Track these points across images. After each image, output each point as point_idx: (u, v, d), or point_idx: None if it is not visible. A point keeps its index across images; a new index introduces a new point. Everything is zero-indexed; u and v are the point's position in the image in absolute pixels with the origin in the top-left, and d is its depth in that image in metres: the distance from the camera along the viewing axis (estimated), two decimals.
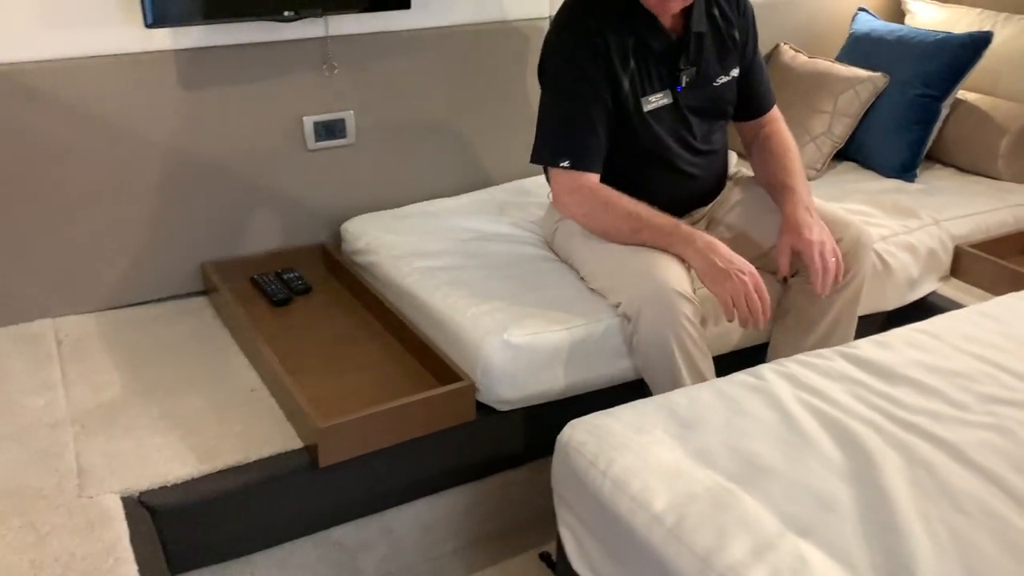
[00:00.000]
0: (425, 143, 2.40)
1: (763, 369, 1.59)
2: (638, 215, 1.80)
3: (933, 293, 2.24)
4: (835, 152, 2.61)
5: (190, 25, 1.95)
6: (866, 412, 1.45)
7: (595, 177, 1.85)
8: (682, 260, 1.76)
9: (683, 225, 1.79)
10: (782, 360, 1.62)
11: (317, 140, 2.24)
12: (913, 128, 2.55)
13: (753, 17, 1.98)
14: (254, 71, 2.11)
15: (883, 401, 1.48)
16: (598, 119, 1.83)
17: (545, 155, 1.88)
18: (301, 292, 2.18)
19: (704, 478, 1.30)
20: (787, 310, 1.94)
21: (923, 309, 2.21)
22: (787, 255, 1.80)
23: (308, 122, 2.21)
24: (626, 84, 1.83)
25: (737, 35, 1.93)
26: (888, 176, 2.57)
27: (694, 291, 1.74)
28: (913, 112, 2.54)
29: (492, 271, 1.98)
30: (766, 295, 1.69)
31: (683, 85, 1.88)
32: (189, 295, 2.21)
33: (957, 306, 2.16)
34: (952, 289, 2.25)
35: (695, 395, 1.51)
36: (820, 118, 2.59)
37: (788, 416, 1.44)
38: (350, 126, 2.27)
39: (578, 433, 1.42)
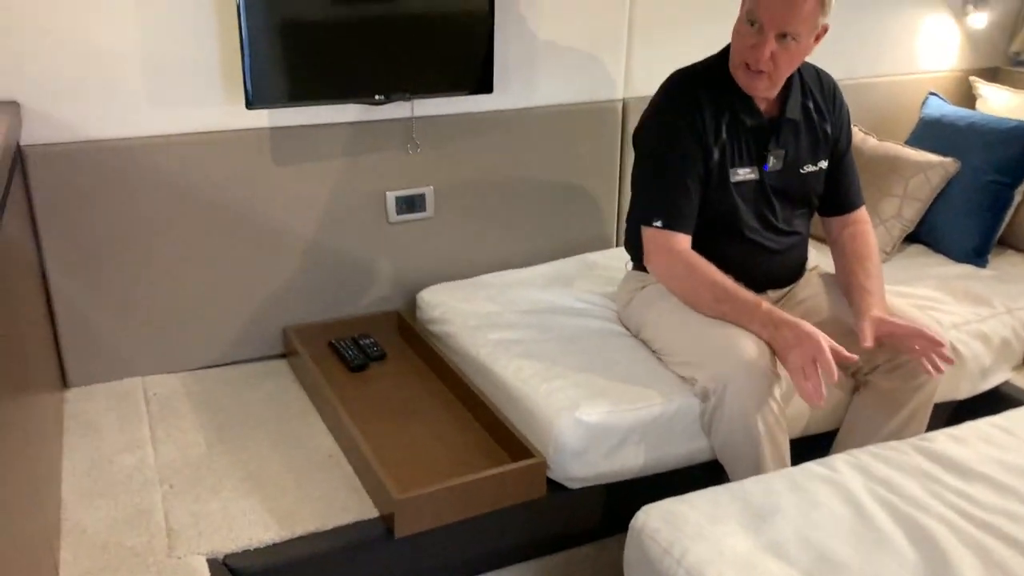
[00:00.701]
0: (498, 216, 2.48)
1: (836, 460, 1.60)
2: (723, 286, 1.84)
3: (1006, 383, 2.22)
4: (905, 235, 2.62)
5: (287, 107, 2.07)
6: (941, 509, 1.45)
7: (686, 240, 1.91)
8: (761, 338, 1.79)
9: (765, 303, 1.81)
10: (855, 451, 1.63)
11: (398, 213, 2.33)
12: (985, 214, 2.55)
13: (848, 116, 2.03)
14: (342, 148, 2.22)
15: (959, 499, 1.48)
16: (691, 185, 1.89)
17: (640, 214, 1.96)
18: (377, 358, 2.25)
19: (778, 571, 1.32)
20: (859, 407, 1.94)
21: (995, 399, 2.19)
22: (871, 328, 1.80)
23: (391, 196, 2.31)
24: (716, 155, 1.89)
25: (830, 130, 1.98)
26: (959, 261, 2.57)
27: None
28: (985, 198, 2.55)
29: (564, 345, 2.03)
30: (831, 368, 1.65)
31: (769, 165, 1.94)
32: (271, 357, 2.30)
33: None
34: None
35: (769, 484, 1.52)
36: (890, 201, 2.61)
37: (862, 510, 1.45)
38: (429, 200, 2.36)
39: (652, 519, 1.45)
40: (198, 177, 2.09)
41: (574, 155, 2.52)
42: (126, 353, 2.14)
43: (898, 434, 1.90)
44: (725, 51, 1.94)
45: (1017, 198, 2.56)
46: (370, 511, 1.70)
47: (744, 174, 1.93)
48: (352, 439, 1.80)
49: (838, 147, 2.02)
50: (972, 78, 3.04)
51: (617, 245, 2.68)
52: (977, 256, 2.55)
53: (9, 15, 1.82)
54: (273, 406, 2.08)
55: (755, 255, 1.99)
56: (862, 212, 2.07)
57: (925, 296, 2.31)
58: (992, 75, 3.09)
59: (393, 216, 2.33)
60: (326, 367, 2.19)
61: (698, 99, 1.89)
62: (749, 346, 1.75)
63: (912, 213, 2.61)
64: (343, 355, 2.24)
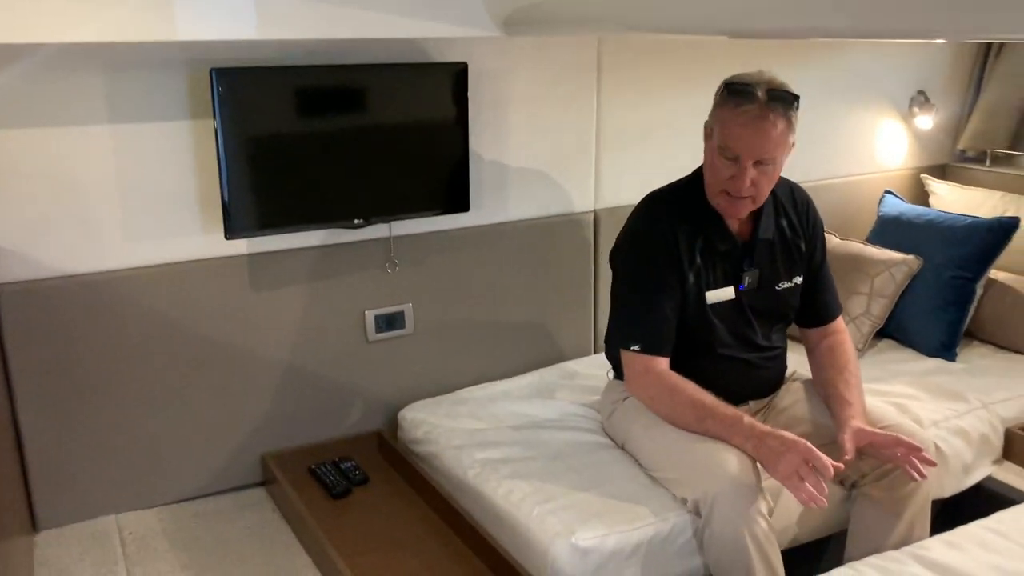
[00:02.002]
0: (477, 329, 2.48)
1: (838, 574, 1.58)
2: (703, 404, 1.84)
3: (988, 478, 2.24)
4: (875, 332, 2.67)
5: (266, 235, 2.07)
6: None
7: (664, 362, 1.92)
8: (745, 452, 1.79)
9: (747, 418, 1.81)
10: (855, 564, 1.62)
11: (377, 332, 2.32)
12: (950, 308, 2.62)
13: (822, 230, 2.08)
14: (321, 270, 2.22)
15: None
16: (668, 308, 1.91)
17: (618, 338, 1.98)
18: (359, 483, 2.20)
19: None
20: (860, 519, 1.93)
21: (979, 495, 2.20)
22: (852, 440, 1.79)
23: (370, 315, 2.31)
24: (691, 279, 1.92)
25: (804, 246, 2.02)
26: (929, 355, 2.62)
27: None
28: (949, 293, 2.62)
29: (553, 462, 2.00)
30: (826, 467, 1.65)
31: (745, 285, 1.97)
32: (249, 487, 2.24)
33: (1014, 491, 2.16)
34: (1006, 473, 2.25)
35: None
36: (858, 299, 2.67)
37: None
38: (408, 317, 2.36)
39: None
40: (174, 308, 2.06)
41: (549, 266, 2.55)
42: (99, 491, 2.07)
43: (905, 541, 1.88)
44: (695, 175, 1.99)
45: (979, 292, 2.64)
46: None
47: (720, 296, 1.96)
48: (340, 574, 1.74)
49: (813, 261, 2.06)
50: (923, 176, 3.17)
51: (595, 352, 2.69)
52: (946, 350, 2.60)
53: None
54: (254, 540, 2.01)
55: (735, 371, 2.01)
56: (839, 322, 2.10)
57: (901, 393, 2.34)
58: (941, 172, 3.22)
59: (372, 335, 2.32)
60: (307, 495, 2.13)
61: (673, 224, 1.92)
62: (733, 461, 1.75)
63: (879, 310, 2.67)
64: (324, 481, 2.19)
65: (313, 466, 2.25)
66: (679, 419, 1.88)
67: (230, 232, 1.98)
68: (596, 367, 2.52)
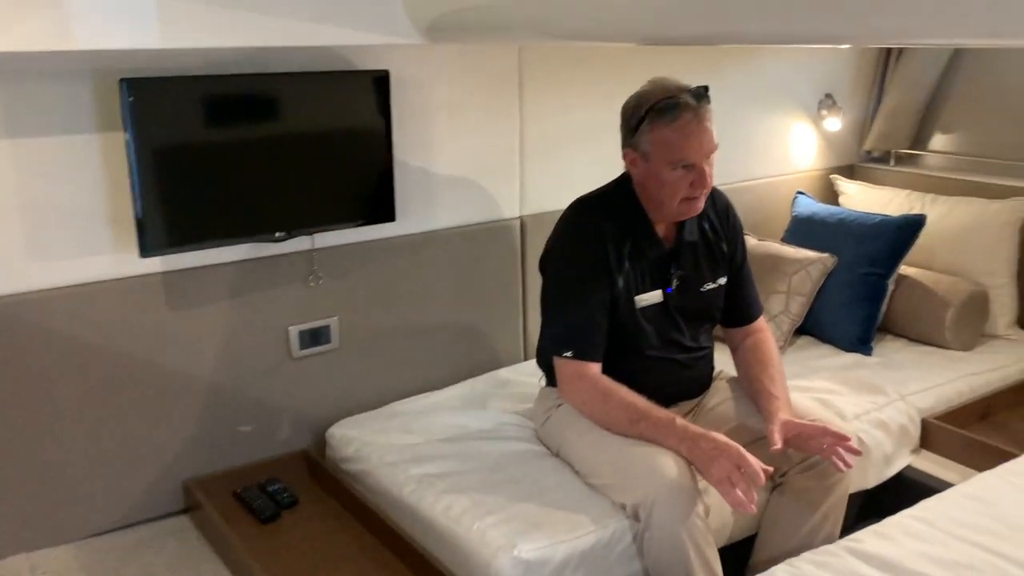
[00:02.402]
0: (406, 341, 2.44)
1: (777, 571, 1.61)
2: (636, 407, 1.85)
3: (908, 467, 2.32)
4: (794, 329, 2.74)
5: (184, 251, 1.98)
6: None
7: (597, 367, 1.92)
8: (679, 454, 1.80)
9: (679, 419, 1.83)
10: (793, 561, 1.65)
11: (302, 348, 2.25)
12: (864, 304, 2.71)
13: (742, 232, 2.12)
14: (240, 286, 2.14)
15: None
16: (599, 315, 1.91)
17: (550, 345, 1.97)
18: (288, 506, 2.12)
19: None
20: (777, 508, 1.97)
21: (900, 484, 2.27)
22: (780, 432, 1.82)
23: (293, 331, 2.23)
24: (621, 283, 1.93)
25: (725, 247, 2.06)
26: (846, 350, 2.70)
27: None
28: (863, 289, 2.71)
29: (489, 474, 1.98)
30: (756, 473, 1.68)
31: (672, 288, 1.99)
32: (173, 515, 2.14)
33: (932, 479, 2.24)
34: (924, 461, 2.33)
35: None
36: (777, 298, 2.73)
37: None
38: (335, 331, 2.30)
39: None
40: (86, 331, 1.95)
41: (477, 274, 2.53)
42: (8, 528, 1.94)
43: (816, 532, 1.94)
44: (621, 180, 2.00)
45: (891, 287, 2.73)
46: None
47: (648, 299, 1.98)
48: None
49: (734, 262, 2.10)
50: (833, 176, 3.28)
51: (525, 359, 2.68)
52: (862, 344, 2.69)
53: None
54: (180, 571, 1.92)
55: (665, 372, 2.03)
56: (761, 321, 2.15)
57: (822, 388, 2.41)
58: (849, 172, 3.34)
59: (297, 351, 2.25)
60: (234, 521, 2.04)
61: (601, 230, 1.93)
62: (670, 465, 1.76)
63: (798, 308, 2.74)
64: (251, 506, 2.10)
65: (239, 490, 2.16)
66: (613, 423, 1.88)
67: (145, 250, 1.89)
68: (527, 374, 2.51)
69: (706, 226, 2.05)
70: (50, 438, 1.96)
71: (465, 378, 2.53)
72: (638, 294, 1.97)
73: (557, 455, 2.06)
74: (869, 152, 3.39)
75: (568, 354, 1.91)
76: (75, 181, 1.89)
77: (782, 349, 2.71)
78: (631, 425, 1.85)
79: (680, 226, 2.00)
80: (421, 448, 2.12)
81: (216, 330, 2.12)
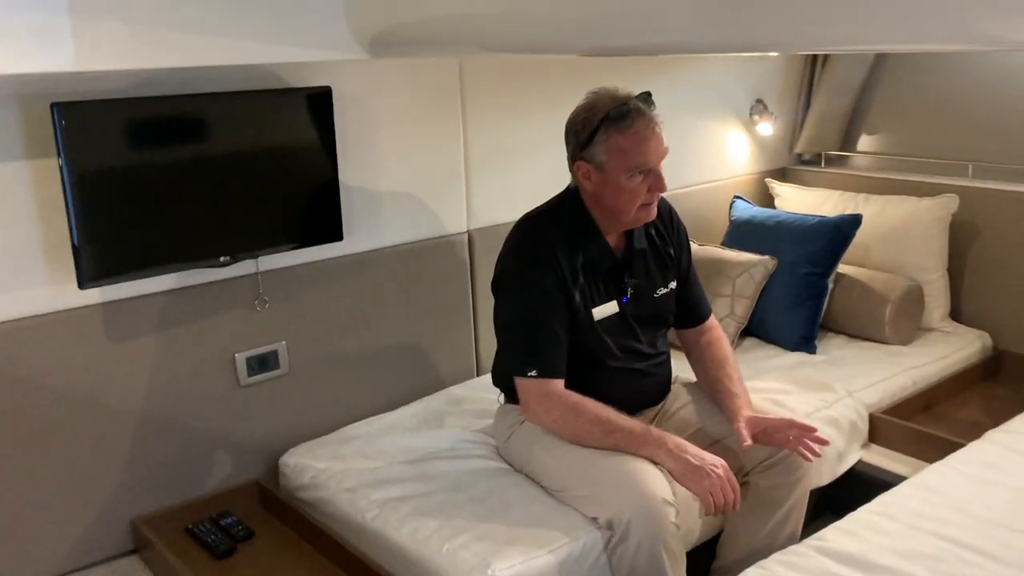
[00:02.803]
0: (357, 362, 2.38)
1: (749, 574, 1.61)
2: (608, 419, 1.85)
3: (859, 462, 2.37)
4: (740, 331, 2.78)
5: (124, 280, 1.89)
6: None
7: (561, 383, 1.91)
8: (654, 463, 1.80)
9: (653, 429, 1.85)
10: (763, 563, 1.66)
11: (250, 375, 2.18)
12: (806, 304, 2.76)
13: (686, 235, 2.14)
14: (184, 314, 2.06)
15: None
16: (559, 331, 1.90)
17: (513, 366, 1.94)
18: (243, 539, 2.04)
19: None
20: (740, 508, 1.99)
21: (853, 480, 2.32)
22: (747, 428, 1.88)
23: (240, 358, 2.16)
24: (577, 297, 1.92)
25: (672, 251, 2.08)
26: (791, 350, 2.75)
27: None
28: (804, 289, 2.76)
29: (453, 494, 1.94)
30: (736, 483, 1.78)
31: (627, 297, 1.99)
32: (120, 555, 2.04)
33: (883, 472, 2.29)
34: (874, 456, 2.38)
35: None
36: (722, 302, 2.77)
37: None
38: (283, 356, 2.23)
39: None
40: (23, 368, 1.85)
41: (425, 291, 2.49)
42: None
43: (780, 530, 1.96)
44: (567, 194, 2.00)
45: (830, 286, 2.80)
46: None
47: (605, 311, 1.98)
48: None
49: (681, 266, 2.12)
50: (767, 179, 3.35)
51: (478, 375, 2.65)
52: (806, 343, 2.75)
53: None
54: None
55: (626, 382, 2.03)
56: (712, 320, 2.18)
57: (773, 388, 2.44)
58: (782, 175, 3.42)
59: (244, 378, 2.18)
60: (188, 558, 1.96)
61: (552, 246, 1.92)
62: (648, 478, 1.77)
63: (742, 310, 2.78)
64: (204, 541, 2.02)
65: (190, 526, 2.08)
66: (585, 438, 1.88)
67: (84, 280, 1.80)
68: (481, 390, 2.48)
69: (653, 232, 2.06)
70: None
71: (418, 397, 2.49)
72: (595, 307, 1.96)
73: (521, 471, 2.04)
74: (800, 155, 3.47)
75: (532, 373, 1.89)
76: (6, 211, 1.79)
77: None
78: (604, 437, 1.85)
79: (628, 235, 2.01)
80: (380, 471, 2.07)
81: (159, 361, 2.04)
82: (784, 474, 1.94)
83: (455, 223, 2.54)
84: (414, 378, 2.51)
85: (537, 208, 2.03)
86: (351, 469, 2.08)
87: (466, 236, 2.57)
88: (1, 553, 1.89)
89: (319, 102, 2.10)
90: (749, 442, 1.86)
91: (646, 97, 1.90)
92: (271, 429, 2.25)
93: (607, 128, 1.85)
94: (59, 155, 1.72)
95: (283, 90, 2.08)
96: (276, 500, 2.15)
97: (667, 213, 2.12)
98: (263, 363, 2.20)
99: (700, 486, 1.76)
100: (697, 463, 1.78)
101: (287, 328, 2.23)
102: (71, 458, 1.96)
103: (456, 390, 2.53)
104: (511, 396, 2.10)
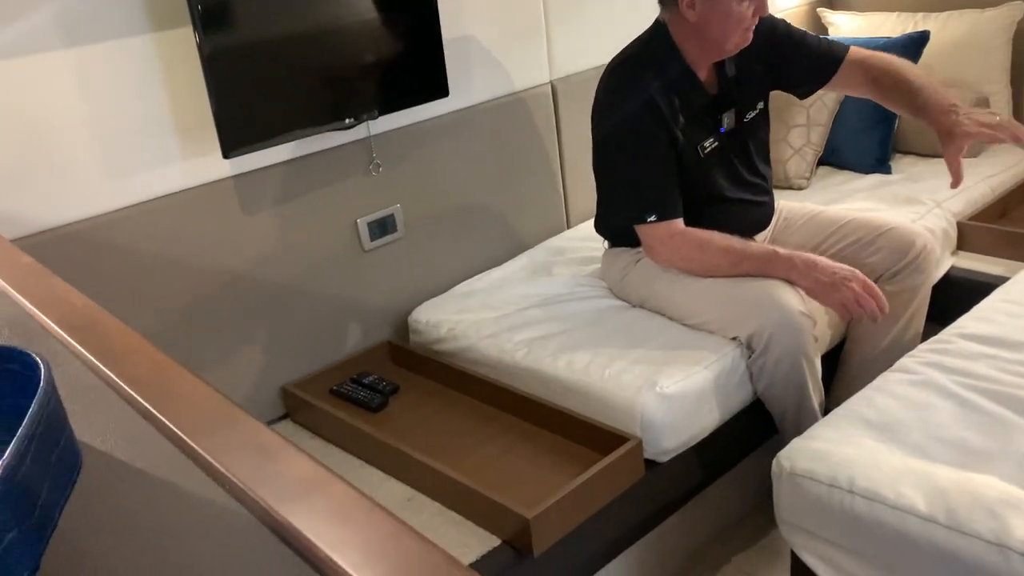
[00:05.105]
0: (460, 221, 2.43)
1: (908, 364, 1.71)
2: (734, 248, 1.92)
3: (952, 267, 2.47)
4: (817, 159, 2.83)
5: (264, 147, 1.90)
6: (1019, 380, 1.60)
7: (680, 222, 1.96)
8: (788, 281, 1.88)
9: (780, 250, 1.91)
10: (914, 354, 1.76)
11: (372, 239, 2.22)
12: (879, 127, 2.81)
13: (781, 24, 2.09)
14: (306, 184, 2.08)
15: None
16: (671, 171, 1.94)
17: (631, 213, 1.98)
18: (390, 392, 2.13)
19: (939, 472, 1.40)
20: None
21: (949, 285, 2.42)
22: (959, 162, 1.89)
23: (362, 223, 2.19)
24: (682, 138, 1.95)
25: (757, 66, 2.05)
26: (867, 172, 2.81)
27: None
28: (875, 112, 2.79)
29: (592, 329, 2.03)
30: (876, 288, 1.82)
31: (724, 127, 2.02)
32: (274, 421, 2.13)
33: (980, 275, 2.39)
34: (964, 260, 2.48)
35: (871, 401, 1.61)
36: (798, 131, 2.81)
37: (963, 401, 1.57)
38: (399, 220, 2.27)
39: (798, 462, 1.49)
40: (168, 245, 1.88)
41: (515, 146, 2.51)
42: None
43: (904, 333, 2.07)
44: (653, 33, 1.99)
45: None
46: (489, 540, 1.63)
47: (709, 144, 2.01)
48: (435, 474, 1.71)
49: (780, 47, 2.05)
50: (819, 9, 3.32)
51: (569, 227, 2.70)
52: (881, 165, 2.81)
53: None
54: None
55: (737, 211, 2.08)
56: (855, 50, 2.09)
57: (864, 208, 2.51)
58: (829, 4, 3.39)
59: (368, 243, 2.22)
60: (348, 415, 2.04)
61: (651, 88, 1.91)
62: (785, 295, 1.84)
63: (818, 137, 2.82)
64: (355, 398, 2.10)
65: (335, 387, 2.16)
66: (714, 271, 1.94)
67: (228, 150, 1.80)
68: (578, 240, 2.55)
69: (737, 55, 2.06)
70: None
71: (519, 252, 2.54)
72: (697, 143, 1.99)
73: (641, 308, 2.11)
74: None
75: (652, 218, 1.94)
76: (137, 88, 1.78)
77: (808, 180, 2.81)
78: (734, 267, 1.91)
79: (718, 66, 2.02)
80: (513, 317, 2.14)
81: (289, 231, 2.07)
82: (911, 277, 2.03)
83: (538, 75, 2.53)
84: (513, 234, 2.56)
85: (624, 52, 2.02)
86: (484, 319, 2.16)
87: (549, 87, 2.57)
88: None
89: None
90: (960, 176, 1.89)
91: None
92: (393, 290, 2.30)
93: None
94: (195, 24, 1.69)
95: None
96: (410, 356, 2.23)
97: None
98: (382, 227, 2.24)
99: (834, 300, 1.82)
100: (827, 279, 1.82)
101: (400, 191, 2.26)
102: (220, 331, 2.01)
103: (554, 242, 2.58)
104: (617, 241, 2.16)
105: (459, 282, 2.39)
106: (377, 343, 2.29)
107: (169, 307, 1.92)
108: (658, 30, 1.99)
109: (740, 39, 1.93)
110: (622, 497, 1.73)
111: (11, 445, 0.61)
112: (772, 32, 2.06)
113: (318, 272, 2.15)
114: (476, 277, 2.41)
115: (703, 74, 2.00)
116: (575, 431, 1.85)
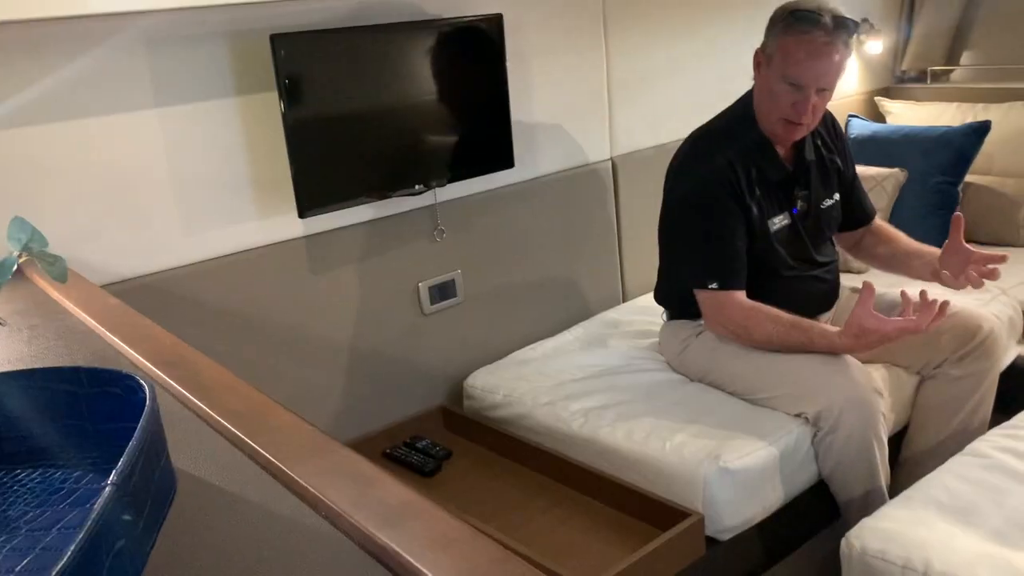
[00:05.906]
0: (518, 290, 2.45)
1: (980, 447, 1.67)
2: (800, 324, 1.90)
3: (1018, 357, 2.41)
4: None
5: (337, 209, 1.95)
6: None
7: (742, 294, 1.95)
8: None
9: (831, 327, 1.89)
10: (985, 438, 1.72)
11: (432, 303, 2.25)
12: (939, 213, 2.80)
13: (848, 143, 2.18)
14: (373, 246, 2.13)
15: None
16: (739, 243, 1.95)
17: (694, 278, 1.99)
18: (444, 457, 2.12)
19: (1018, 558, 1.35)
20: (930, 398, 2.04)
21: (1015, 374, 2.37)
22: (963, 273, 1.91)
23: (423, 287, 2.23)
24: (755, 210, 1.96)
25: (838, 161, 2.11)
26: None
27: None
28: (936, 198, 2.80)
29: (650, 401, 2.01)
30: (929, 302, 1.75)
31: (798, 208, 2.03)
32: None
33: None
34: None
35: (943, 483, 1.57)
36: None
37: None
38: (459, 285, 2.30)
39: (869, 542, 1.45)
40: (238, 299, 1.92)
41: (575, 219, 2.55)
42: None
43: (972, 418, 2.02)
44: (735, 110, 2.04)
45: (960, 194, 2.83)
46: None
47: (780, 221, 2.02)
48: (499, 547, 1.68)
49: (847, 173, 2.15)
50: (877, 97, 3.36)
51: (624, 300, 2.70)
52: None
53: (12, 157, 1.62)
54: None
55: (802, 288, 2.07)
56: (876, 219, 2.23)
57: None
58: (886, 93, 3.43)
59: (428, 307, 2.24)
60: (401, 480, 2.03)
61: (729, 159, 1.94)
62: (853, 369, 1.82)
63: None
64: (408, 462, 2.10)
65: (388, 450, 2.15)
66: (779, 343, 1.91)
67: (304, 210, 1.86)
68: (633, 313, 2.55)
69: (819, 143, 2.09)
70: None
71: (573, 323, 2.54)
72: (769, 218, 2.00)
73: (701, 381, 2.09)
74: (903, 73, 3.48)
75: (714, 286, 1.94)
76: (218, 149, 1.85)
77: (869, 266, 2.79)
78: (784, 338, 1.89)
79: (798, 147, 2.04)
80: (569, 387, 2.13)
81: (354, 291, 2.11)
82: (978, 362, 1.99)
83: (599, 150, 2.58)
84: (568, 305, 2.57)
85: (706, 125, 2.07)
86: (540, 386, 2.15)
87: (610, 163, 2.61)
88: None
89: (494, 30, 2.13)
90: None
91: (850, 23, 1.88)
92: (450, 355, 2.32)
93: (787, 24, 1.87)
94: (280, 93, 1.77)
95: (464, 18, 2.10)
96: (463, 421, 2.22)
97: (830, 123, 2.14)
98: (443, 292, 2.27)
99: (870, 344, 1.78)
100: (857, 331, 1.76)
101: (461, 258, 2.29)
102: (278, 385, 2.02)
103: (609, 314, 2.59)
104: (678, 312, 2.16)
105: (514, 350, 2.40)
106: (432, 407, 2.29)
107: (232, 358, 1.93)
108: (743, 98, 2.03)
109: (781, 128, 1.94)
110: (681, 574, 1.68)
111: (123, 455, 0.63)
112: (845, 155, 2.13)
113: (378, 333, 2.17)
114: (530, 346, 2.41)
115: (782, 151, 2.02)
116: (633, 504, 1.81)
